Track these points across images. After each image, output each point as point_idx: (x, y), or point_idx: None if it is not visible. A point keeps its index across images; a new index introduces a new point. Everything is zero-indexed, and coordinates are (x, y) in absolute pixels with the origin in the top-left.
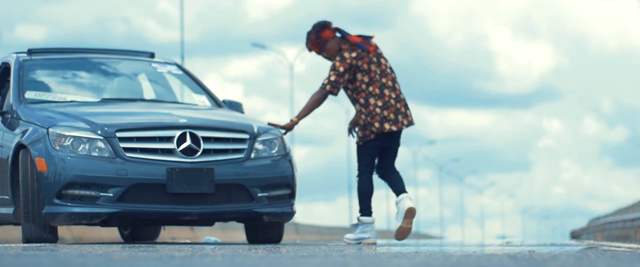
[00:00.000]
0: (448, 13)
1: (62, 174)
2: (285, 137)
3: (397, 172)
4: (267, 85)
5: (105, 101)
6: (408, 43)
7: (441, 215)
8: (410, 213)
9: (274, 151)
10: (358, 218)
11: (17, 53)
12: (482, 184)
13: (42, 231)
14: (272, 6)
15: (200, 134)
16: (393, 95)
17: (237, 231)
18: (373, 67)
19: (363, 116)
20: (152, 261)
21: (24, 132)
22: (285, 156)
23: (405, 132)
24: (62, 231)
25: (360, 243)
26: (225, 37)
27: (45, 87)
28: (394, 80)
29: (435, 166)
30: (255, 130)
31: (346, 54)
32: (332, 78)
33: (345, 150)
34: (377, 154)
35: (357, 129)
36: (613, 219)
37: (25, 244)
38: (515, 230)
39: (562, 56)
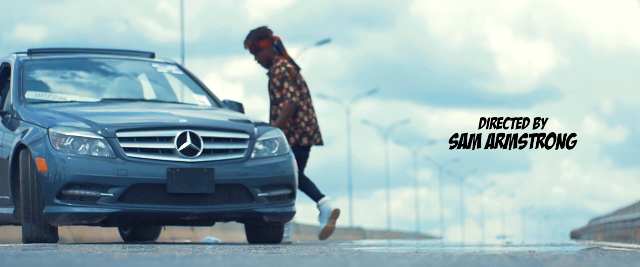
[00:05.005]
0: (448, 13)
1: (62, 174)
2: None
3: (309, 179)
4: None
5: (105, 101)
6: (408, 43)
7: (441, 215)
8: (335, 214)
9: (274, 151)
10: None
11: (17, 53)
12: (482, 184)
13: (42, 231)
14: (272, 6)
15: (200, 134)
16: (314, 115)
17: (237, 231)
18: (302, 86)
19: (287, 124)
20: (152, 261)
21: (24, 132)
22: (286, 155)
23: (403, 131)
24: (62, 231)
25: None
26: (225, 37)
27: (45, 87)
28: (311, 103)
29: (435, 166)
30: (256, 130)
31: (289, 65)
32: (291, 89)
33: (345, 150)
34: None
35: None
36: (613, 219)
37: (25, 244)
38: (515, 230)
39: (562, 56)
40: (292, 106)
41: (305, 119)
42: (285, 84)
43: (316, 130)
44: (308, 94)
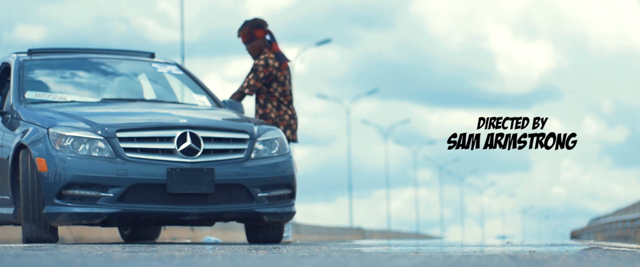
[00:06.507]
0: (448, 13)
1: (62, 174)
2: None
3: None
4: None
5: (105, 101)
6: (408, 43)
7: (441, 215)
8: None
9: (274, 151)
10: None
11: (17, 53)
12: (482, 184)
13: (43, 231)
14: (272, 6)
15: (200, 134)
16: (296, 112)
17: (237, 231)
18: (286, 83)
19: (272, 115)
20: (152, 261)
21: (24, 132)
22: (286, 156)
23: (403, 131)
24: (62, 231)
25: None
26: (225, 37)
27: (45, 87)
28: (292, 100)
29: (435, 166)
30: (256, 130)
31: (271, 61)
32: (252, 82)
33: (345, 150)
34: None
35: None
36: (613, 219)
37: (25, 244)
38: (515, 230)
39: (562, 56)
40: (239, 93)
41: (289, 112)
42: (250, 75)
43: (296, 127)
44: (290, 92)
